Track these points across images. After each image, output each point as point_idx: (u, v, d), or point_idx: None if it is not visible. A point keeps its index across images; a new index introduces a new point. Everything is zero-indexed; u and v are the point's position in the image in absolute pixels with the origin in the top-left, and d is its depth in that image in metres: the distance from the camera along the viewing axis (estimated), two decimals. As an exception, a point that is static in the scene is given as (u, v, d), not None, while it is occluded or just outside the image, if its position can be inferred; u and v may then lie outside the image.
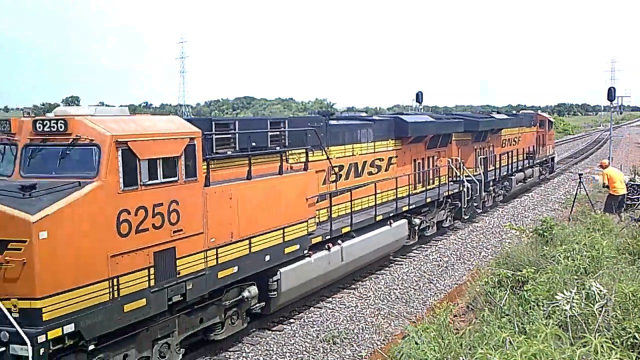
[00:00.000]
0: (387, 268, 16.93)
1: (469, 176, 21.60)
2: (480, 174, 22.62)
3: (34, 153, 8.46)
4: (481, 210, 23.61)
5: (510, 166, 26.45)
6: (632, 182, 24.99)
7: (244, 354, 11.21)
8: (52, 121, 8.32)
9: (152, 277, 8.72)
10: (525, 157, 29.00)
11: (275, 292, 11.61)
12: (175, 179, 9.05)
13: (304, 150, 12.53)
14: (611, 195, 20.32)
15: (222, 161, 10.51)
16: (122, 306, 8.32)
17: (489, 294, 10.66)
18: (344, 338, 12.03)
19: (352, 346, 11.81)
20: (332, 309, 13.63)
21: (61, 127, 8.27)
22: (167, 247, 8.94)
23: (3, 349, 7.29)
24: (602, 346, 6.16)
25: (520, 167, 28.17)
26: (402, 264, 17.34)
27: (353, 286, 15.23)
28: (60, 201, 7.55)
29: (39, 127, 8.41)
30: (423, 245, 19.39)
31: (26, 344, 7.11)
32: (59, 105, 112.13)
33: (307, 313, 13.36)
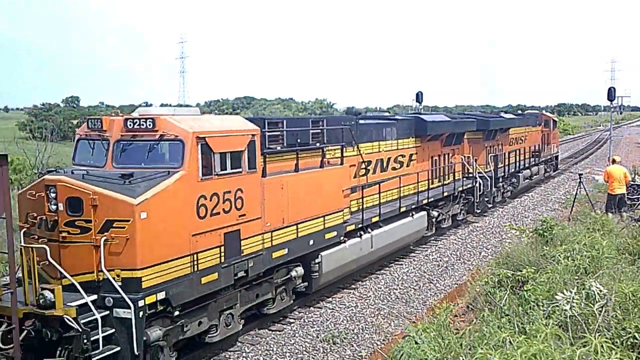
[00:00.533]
0: (387, 268, 16.94)
1: (480, 173, 22.65)
2: (490, 170, 23.77)
3: (125, 147, 9.71)
4: (492, 205, 24.79)
5: (517, 164, 27.47)
6: (632, 182, 24.99)
7: (244, 354, 11.21)
8: (142, 120, 9.57)
9: (222, 254, 10.10)
10: (531, 155, 30.07)
11: (317, 273, 13.05)
12: (240, 170, 10.43)
13: (340, 147, 13.87)
14: (609, 194, 20.38)
15: (275, 155, 11.85)
16: (200, 278, 9.69)
17: (489, 294, 10.67)
18: (344, 338, 12.03)
19: (352, 346, 11.81)
20: (332, 309, 13.63)
21: (150, 125, 9.52)
22: (234, 229, 10.35)
23: (107, 312, 8.45)
24: (602, 346, 6.17)
25: (526, 165, 29.18)
26: (402, 264, 17.34)
27: (353, 286, 15.23)
28: (155, 187, 8.91)
29: (130, 125, 9.65)
30: (423, 245, 19.41)
31: (129, 308, 8.42)
32: (59, 105, 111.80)
33: (307, 313, 13.36)
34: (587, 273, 10.03)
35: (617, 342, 7.03)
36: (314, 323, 12.75)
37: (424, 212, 18.15)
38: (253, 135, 10.74)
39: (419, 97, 37.81)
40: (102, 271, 8.62)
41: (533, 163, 30.43)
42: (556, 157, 36.87)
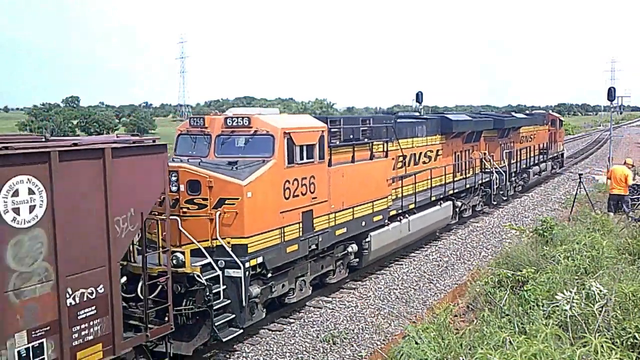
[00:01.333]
0: (387, 268, 16.93)
1: (496, 168, 24.56)
2: (505, 166, 25.58)
3: (225, 140, 11.71)
4: (506, 198, 26.48)
5: (527, 160, 29.21)
6: (632, 182, 24.99)
7: (244, 354, 11.21)
8: (239, 118, 11.66)
9: (300, 229, 12.17)
10: (539, 153, 31.72)
11: (367, 251, 14.95)
12: (313, 160, 12.49)
13: (384, 142, 15.83)
14: (609, 193, 20.41)
15: (337, 148, 13.75)
16: (286, 248, 11.79)
17: (489, 294, 10.67)
18: (344, 338, 12.03)
19: (352, 346, 11.81)
20: (332, 309, 13.63)
21: (246, 122, 11.59)
22: (308, 209, 12.43)
23: (219, 272, 10.33)
24: (602, 346, 6.17)
25: (536, 162, 30.94)
26: (402, 264, 17.34)
27: (353, 286, 15.23)
28: (256, 172, 11.01)
29: (229, 122, 11.70)
30: (423, 245, 19.43)
31: (239, 268, 10.51)
32: (59, 105, 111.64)
33: (307, 313, 13.36)
34: (587, 273, 10.04)
35: (617, 342, 7.03)
36: (314, 323, 12.75)
37: (450, 202, 20.16)
38: (322, 131, 12.81)
39: (419, 97, 37.86)
40: (216, 239, 10.66)
41: (541, 160, 32.04)
42: (562, 155, 38.46)
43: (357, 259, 14.93)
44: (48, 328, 7.52)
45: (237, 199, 10.69)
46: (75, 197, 7.89)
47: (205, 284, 10.06)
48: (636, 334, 7.15)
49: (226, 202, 10.72)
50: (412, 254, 18.38)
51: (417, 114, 23.52)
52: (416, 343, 8.19)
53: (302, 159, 12.14)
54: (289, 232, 11.85)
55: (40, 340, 7.42)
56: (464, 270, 17.14)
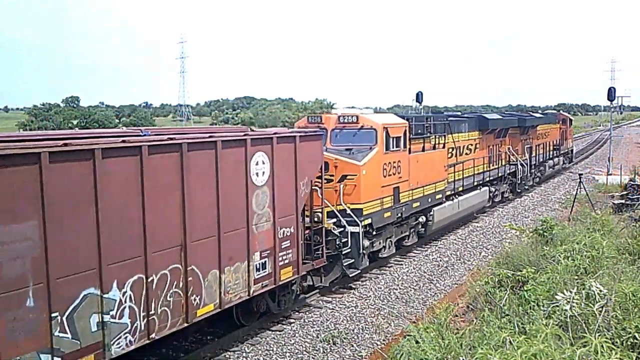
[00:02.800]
0: (387, 268, 16.94)
1: (519, 160, 27.96)
2: (526, 159, 29.14)
3: (337, 133, 15.37)
4: (527, 187, 30.09)
5: (544, 155, 33.11)
6: (632, 182, 25.01)
7: (244, 354, 11.21)
8: (349, 116, 15.48)
9: (392, 201, 16.08)
10: (553, 149, 35.35)
11: (431, 222, 18.77)
12: (399, 149, 16.29)
13: (442, 136, 19.67)
14: None
15: (413, 140, 17.51)
16: (384, 214, 15.76)
17: (489, 294, 10.66)
18: (344, 338, 12.03)
19: (352, 346, 11.81)
20: (332, 309, 13.63)
21: (354, 119, 15.40)
22: (397, 186, 16.33)
23: (342, 229, 14.08)
24: (602, 346, 6.16)
25: (550, 156, 34.80)
26: (402, 264, 17.34)
27: (353, 286, 15.23)
28: (367, 156, 14.96)
29: (342, 120, 15.47)
30: (423, 245, 19.43)
31: (357, 226, 14.27)
32: (59, 105, 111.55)
33: (307, 313, 13.36)
34: (587, 273, 10.02)
35: (617, 342, 7.02)
36: (314, 323, 12.74)
37: (487, 188, 23.96)
38: (405, 126, 16.66)
39: (419, 97, 37.87)
40: (341, 204, 14.38)
41: (555, 155, 35.81)
42: (571, 151, 42.05)
43: (423, 229, 18.74)
44: (269, 252, 11.55)
45: (356, 175, 14.61)
46: (282, 167, 11.76)
47: (338, 235, 14.02)
48: (636, 334, 7.14)
49: (347, 177, 14.61)
50: (412, 254, 18.38)
51: (458, 113, 27.09)
52: (417, 342, 8.18)
53: (394, 147, 16.01)
54: (385, 202, 15.82)
55: (265, 259, 11.45)
56: (464, 270, 17.14)
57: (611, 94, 37.93)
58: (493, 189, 24.96)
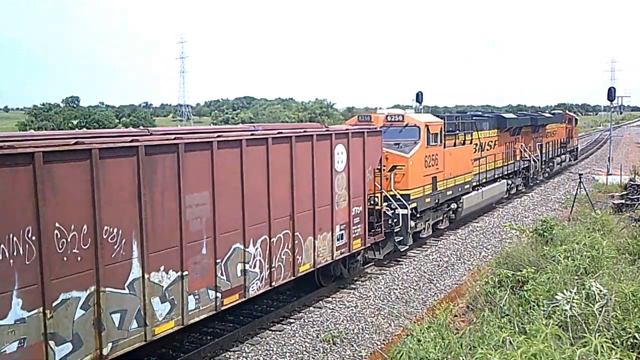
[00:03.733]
0: (387, 268, 16.94)
1: (531, 157, 30.54)
2: (537, 155, 31.55)
3: (385, 130, 17.27)
4: (538, 181, 32.87)
5: (552, 152, 35.62)
6: (632, 182, 25.01)
7: (244, 354, 11.21)
8: (395, 115, 18.07)
9: (431, 188, 18.54)
10: (560, 146, 37.72)
11: (460, 209, 21.26)
12: (437, 144, 18.76)
13: (469, 133, 22.45)
14: None
15: (447, 137, 19.94)
16: (425, 199, 18.15)
17: (489, 294, 10.66)
18: (344, 338, 12.02)
19: (352, 346, 11.80)
20: (332, 309, 13.63)
21: (400, 118, 17.93)
22: (434, 176, 18.77)
23: (393, 211, 16.39)
24: (602, 346, 6.16)
25: (558, 154, 37.35)
26: (402, 264, 17.34)
27: (353, 286, 15.23)
28: (412, 150, 17.30)
29: (389, 119, 17.99)
30: (423, 245, 19.43)
31: (406, 209, 16.67)
32: (59, 105, 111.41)
33: (307, 313, 13.36)
34: (587, 273, 10.02)
35: (617, 342, 7.02)
36: (314, 323, 12.74)
37: (505, 181, 26.54)
38: (441, 124, 19.17)
39: (419, 97, 37.88)
40: (391, 190, 16.80)
41: (562, 152, 38.40)
42: (577, 149, 44.71)
43: (454, 215, 21.16)
44: (345, 225, 14.22)
45: (404, 165, 17.11)
46: (355, 157, 14.37)
47: (390, 216, 16.45)
48: (636, 334, 7.14)
49: (397, 167, 17.08)
50: (412, 254, 18.38)
51: (480, 112, 28.83)
52: (419, 340, 8.18)
53: (433, 142, 18.42)
54: (426, 190, 18.25)
55: (342, 231, 14.14)
56: (464, 270, 17.13)
57: (611, 94, 37.95)
58: (510, 182, 27.58)
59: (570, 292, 7.99)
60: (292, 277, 12.50)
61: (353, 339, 12.07)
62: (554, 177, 35.93)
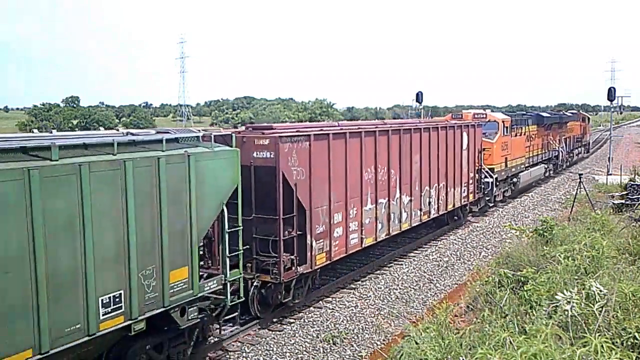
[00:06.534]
0: (387, 268, 16.94)
1: (559, 148, 38.02)
2: (563, 147, 39.02)
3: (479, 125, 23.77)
4: (563, 168, 39.98)
5: (572, 145, 42.92)
6: (632, 182, 25.00)
7: (244, 354, 11.21)
8: (480, 114, 25.53)
9: (504, 166, 26.30)
10: (577, 140, 44.81)
11: (518, 182, 28.54)
12: (507, 134, 26.43)
13: (524, 127, 30.00)
14: None
15: (511, 129, 27.31)
16: (501, 172, 26.03)
17: (489, 294, 10.65)
18: (344, 338, 12.03)
19: (352, 346, 11.80)
20: (332, 309, 13.63)
21: (484, 116, 25.38)
22: (506, 157, 26.29)
23: (485, 179, 24.05)
24: (602, 346, 6.16)
25: (576, 147, 44.83)
26: (402, 264, 17.33)
27: (353, 286, 15.23)
28: (495, 137, 25.35)
29: (476, 116, 25.03)
30: (423, 245, 19.43)
31: (491, 178, 24.64)
32: (59, 105, 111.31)
33: (307, 313, 13.36)
34: (587, 273, 10.01)
35: (617, 342, 7.02)
36: (314, 323, 12.74)
37: (542, 165, 33.90)
38: (510, 120, 26.97)
39: (419, 97, 37.94)
40: (481, 165, 23.02)
41: (578, 145, 45.84)
42: (589, 143, 53.20)
43: (513, 187, 28.15)
44: (465, 184, 21.78)
45: (490, 148, 24.63)
46: (471, 141, 21.86)
47: (484, 181, 23.54)
48: (636, 334, 7.13)
49: (485, 150, 23.78)
50: (412, 254, 18.38)
51: (523, 112, 36.49)
52: (416, 342, 8.17)
53: (505, 133, 26.17)
54: (502, 166, 25.93)
55: (464, 188, 21.70)
56: (464, 270, 17.13)
57: (611, 94, 37.99)
58: (546, 166, 34.92)
59: (571, 292, 7.99)
60: (445, 211, 20.22)
61: (353, 339, 12.07)
62: (573, 164, 43.24)
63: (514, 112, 32.51)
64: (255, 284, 12.15)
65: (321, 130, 13.72)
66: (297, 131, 12.92)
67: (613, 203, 23.78)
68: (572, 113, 46.46)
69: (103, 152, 8.20)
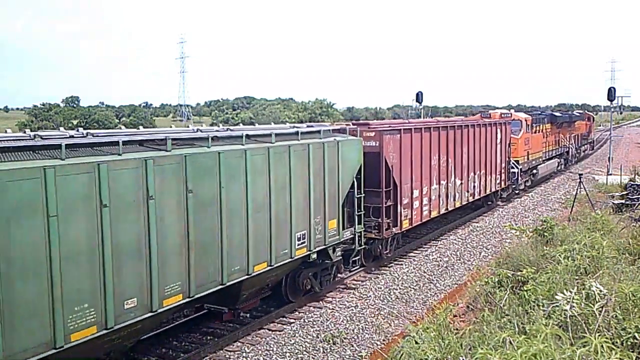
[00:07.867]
0: (387, 268, 16.94)
1: (569, 144, 42.10)
2: (572, 143, 42.88)
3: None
4: (573, 163, 43.49)
5: (579, 142, 46.94)
6: (632, 182, 25.01)
7: (244, 354, 11.21)
8: (506, 114, 28.53)
9: (527, 158, 30.01)
10: (583, 138, 48.70)
11: (538, 174, 32.17)
12: (529, 131, 30.51)
13: (538, 125, 32.75)
14: None
15: (531, 127, 31.13)
16: (524, 164, 29.71)
17: (489, 294, 10.65)
18: (344, 338, 12.03)
19: (352, 346, 11.81)
20: (332, 309, 13.63)
21: (509, 115, 28.71)
22: (527, 150, 30.07)
23: (512, 169, 27.86)
24: (602, 346, 6.15)
25: (583, 144, 49.08)
26: (402, 264, 17.34)
27: (353, 286, 15.23)
28: (519, 133, 29.18)
29: (502, 115, 27.67)
30: (423, 245, 19.43)
31: (517, 168, 28.34)
32: (59, 105, 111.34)
33: (307, 313, 13.36)
34: (587, 273, 10.01)
35: (617, 342, 7.01)
36: (314, 323, 12.74)
37: (556, 159, 37.27)
38: (531, 119, 31.01)
39: (419, 97, 37.96)
40: (509, 157, 26.95)
41: (584, 143, 50.06)
42: (594, 141, 57.75)
43: (533, 177, 31.53)
44: (498, 172, 26.00)
45: (516, 143, 27.82)
46: (503, 136, 26.03)
47: (511, 171, 26.91)
48: (636, 334, 7.13)
49: (511, 143, 26.78)
50: (412, 254, 18.38)
51: (537, 111, 39.47)
52: (416, 342, 8.17)
53: (527, 130, 29.55)
54: (525, 159, 29.27)
55: (498, 175, 25.94)
56: (464, 270, 17.14)
57: (611, 94, 38.02)
58: (559, 161, 38.59)
59: (570, 292, 7.98)
60: (485, 194, 24.15)
61: (353, 339, 12.07)
62: (578, 161, 46.14)
63: (530, 112, 36.15)
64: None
65: (403, 125, 17.76)
66: (389, 126, 17.14)
67: (613, 203, 23.79)
68: (579, 113, 50.88)
69: (294, 139, 12.46)
